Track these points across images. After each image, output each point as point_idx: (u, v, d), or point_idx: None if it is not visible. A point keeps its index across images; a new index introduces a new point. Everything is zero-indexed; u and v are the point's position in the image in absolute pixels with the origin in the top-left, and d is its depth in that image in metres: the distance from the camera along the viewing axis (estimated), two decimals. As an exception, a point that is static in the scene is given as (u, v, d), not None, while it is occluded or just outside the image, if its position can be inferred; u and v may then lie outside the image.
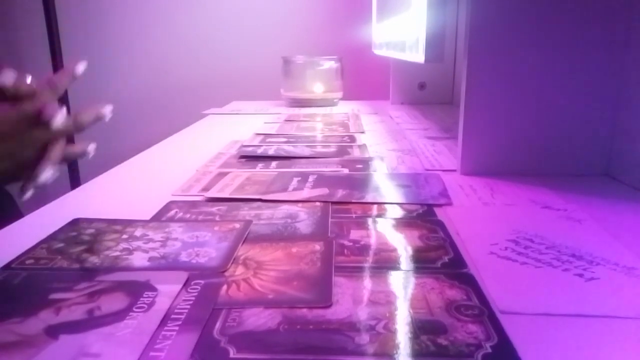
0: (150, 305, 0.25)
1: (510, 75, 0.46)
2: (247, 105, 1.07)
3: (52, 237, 0.34)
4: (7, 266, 0.30)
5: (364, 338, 0.22)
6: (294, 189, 0.44)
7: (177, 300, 0.25)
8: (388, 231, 0.35)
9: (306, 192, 0.43)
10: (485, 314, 0.24)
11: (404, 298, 0.25)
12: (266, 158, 0.56)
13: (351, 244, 0.32)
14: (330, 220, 0.37)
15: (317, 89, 1.01)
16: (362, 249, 0.31)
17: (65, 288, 0.27)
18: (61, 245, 0.33)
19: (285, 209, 0.39)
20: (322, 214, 0.38)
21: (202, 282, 0.27)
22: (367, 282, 0.27)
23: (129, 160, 0.58)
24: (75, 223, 0.36)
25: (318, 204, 0.40)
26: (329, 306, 0.25)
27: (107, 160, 0.64)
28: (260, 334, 0.22)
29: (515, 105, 0.47)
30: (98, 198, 0.44)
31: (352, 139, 0.67)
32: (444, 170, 0.50)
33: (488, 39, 0.45)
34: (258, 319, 0.24)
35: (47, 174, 0.33)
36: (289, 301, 0.25)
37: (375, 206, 0.40)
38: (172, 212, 0.39)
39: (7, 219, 0.38)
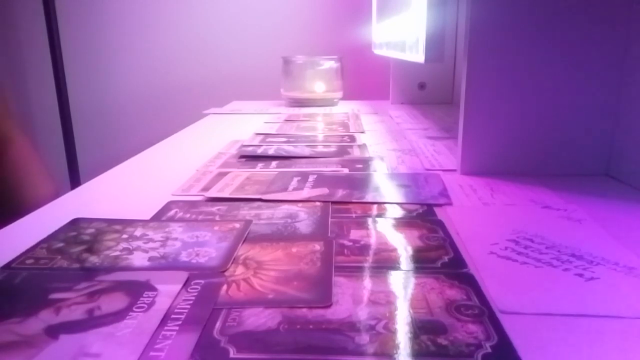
0: (150, 305, 0.25)
1: (510, 75, 0.46)
2: (247, 105, 1.07)
3: (52, 237, 0.34)
4: (7, 266, 0.30)
5: (364, 338, 0.22)
6: (294, 189, 0.44)
7: (177, 300, 0.25)
8: (388, 231, 0.35)
9: (306, 192, 0.43)
10: (485, 314, 0.24)
11: (404, 298, 0.25)
12: (266, 158, 0.56)
13: (351, 243, 0.32)
14: (330, 220, 0.37)
15: (317, 88, 1.01)
16: (362, 249, 0.31)
17: (65, 288, 0.27)
18: (61, 245, 0.33)
19: (285, 208, 0.39)
20: (322, 213, 0.38)
21: (202, 282, 0.27)
22: (367, 282, 0.27)
23: (129, 160, 0.58)
24: (75, 223, 0.36)
25: (318, 203, 0.40)
26: (329, 306, 0.25)
27: (107, 160, 0.64)
28: (260, 333, 0.22)
29: (515, 105, 0.47)
30: (98, 198, 0.44)
31: (352, 138, 0.67)
32: (444, 170, 0.50)
33: (488, 39, 0.45)
34: (258, 318, 0.24)
35: None
36: (289, 301, 0.25)
37: (375, 206, 0.40)
38: (172, 212, 0.39)
39: (7, 219, 0.38)
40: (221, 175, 0.49)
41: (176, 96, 1.27)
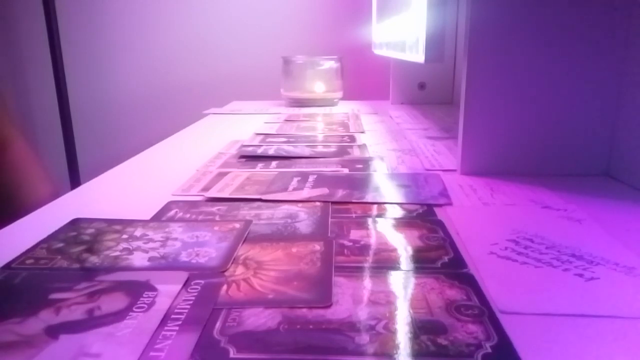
0: (150, 305, 0.25)
1: (510, 75, 0.46)
2: (247, 105, 1.07)
3: (52, 237, 0.34)
4: (7, 266, 0.30)
5: (364, 338, 0.22)
6: (294, 189, 0.44)
7: (177, 300, 0.25)
8: (388, 231, 0.35)
9: (306, 192, 0.43)
10: (485, 314, 0.24)
11: (404, 298, 0.25)
12: (266, 158, 0.56)
13: (351, 244, 0.32)
14: (330, 220, 0.37)
15: (317, 88, 1.01)
16: (362, 249, 0.31)
17: (65, 288, 0.27)
18: (61, 245, 0.33)
19: (285, 208, 0.39)
20: (322, 213, 0.38)
21: (202, 282, 0.27)
22: (367, 282, 0.27)
23: (129, 160, 0.58)
24: (75, 223, 0.36)
25: (318, 203, 0.40)
26: (329, 306, 0.25)
27: (107, 160, 0.64)
28: (260, 334, 0.22)
29: (515, 105, 0.47)
30: (98, 198, 0.44)
31: (352, 138, 0.67)
32: (444, 170, 0.50)
33: (488, 39, 0.45)
34: (258, 319, 0.24)
35: None
36: (289, 301, 0.25)
37: (375, 206, 0.40)
38: (172, 212, 0.39)
39: (7, 219, 0.38)
40: (221, 175, 0.49)
41: (176, 96, 1.27)
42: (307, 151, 0.59)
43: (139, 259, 0.30)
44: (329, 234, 0.34)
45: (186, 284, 0.27)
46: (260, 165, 0.53)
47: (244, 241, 0.33)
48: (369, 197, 0.42)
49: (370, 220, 0.37)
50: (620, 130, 0.46)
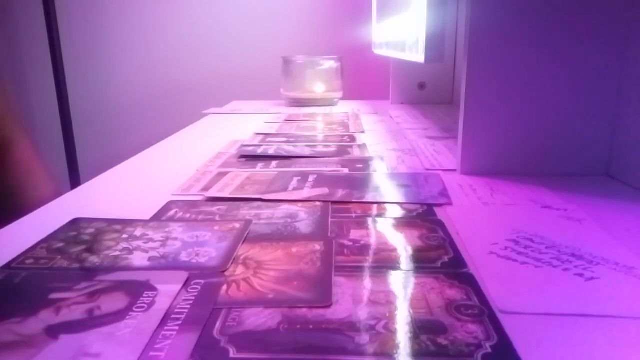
0: (150, 305, 0.25)
1: (510, 75, 0.46)
2: (247, 105, 1.07)
3: (52, 236, 0.34)
4: (7, 266, 0.30)
5: (364, 338, 0.22)
6: (294, 189, 0.44)
7: (177, 300, 0.25)
8: (388, 231, 0.35)
9: (306, 192, 0.43)
10: (485, 313, 0.24)
11: (404, 298, 0.25)
12: (266, 158, 0.56)
13: (351, 243, 0.32)
14: (330, 220, 0.37)
15: (318, 88, 1.01)
16: (362, 249, 0.31)
17: (65, 288, 0.27)
18: (61, 245, 0.33)
19: (285, 208, 0.39)
20: (322, 213, 0.38)
21: (202, 281, 0.27)
22: (367, 282, 0.27)
23: (129, 160, 0.58)
24: (75, 223, 0.36)
25: (318, 203, 0.40)
26: (329, 306, 0.25)
27: (107, 160, 0.64)
28: (260, 333, 0.22)
29: (515, 105, 0.47)
30: (98, 198, 0.44)
31: (352, 138, 0.67)
32: (444, 170, 0.50)
33: (488, 39, 0.45)
34: (258, 318, 0.24)
35: None
36: (289, 301, 0.25)
37: (375, 206, 0.40)
38: (172, 212, 0.39)
39: (7, 218, 0.38)
40: (221, 175, 0.49)
41: (176, 96, 1.27)
42: (307, 151, 0.59)
43: (139, 259, 0.30)
44: (329, 234, 0.34)
45: (186, 284, 0.27)
46: (260, 165, 0.53)
47: (244, 241, 0.33)
48: (369, 197, 0.42)
49: (370, 220, 0.37)
50: (620, 130, 0.46)
